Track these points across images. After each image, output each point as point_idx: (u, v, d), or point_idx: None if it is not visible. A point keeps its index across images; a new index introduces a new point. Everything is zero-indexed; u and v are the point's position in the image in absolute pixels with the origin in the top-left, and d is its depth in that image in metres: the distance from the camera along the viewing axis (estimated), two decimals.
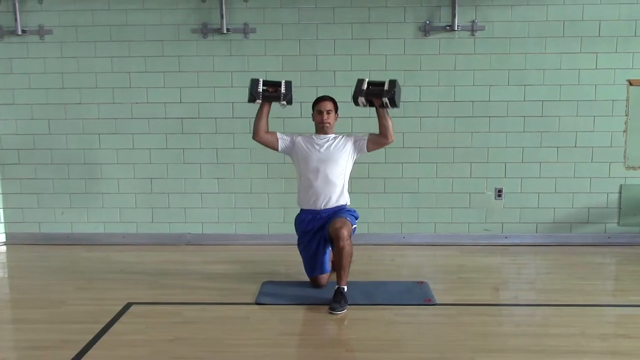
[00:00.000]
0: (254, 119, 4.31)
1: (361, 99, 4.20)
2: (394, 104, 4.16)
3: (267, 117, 4.32)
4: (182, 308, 4.02)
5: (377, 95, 4.16)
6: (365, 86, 4.20)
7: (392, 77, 4.25)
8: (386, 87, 4.16)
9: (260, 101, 4.25)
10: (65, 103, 5.65)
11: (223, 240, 5.77)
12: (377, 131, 4.33)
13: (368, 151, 4.39)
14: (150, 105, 5.63)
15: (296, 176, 4.47)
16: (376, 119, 4.28)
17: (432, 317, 3.88)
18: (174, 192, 5.75)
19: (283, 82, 4.28)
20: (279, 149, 4.40)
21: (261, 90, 4.23)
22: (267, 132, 4.35)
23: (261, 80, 4.26)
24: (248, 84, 4.27)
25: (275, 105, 4.32)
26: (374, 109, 4.26)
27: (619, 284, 4.79)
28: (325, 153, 4.29)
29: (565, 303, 4.11)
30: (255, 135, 4.34)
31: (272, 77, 4.38)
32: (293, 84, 4.30)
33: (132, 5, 5.52)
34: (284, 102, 4.28)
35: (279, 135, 4.39)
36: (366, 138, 4.36)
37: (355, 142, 4.37)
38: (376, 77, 5.30)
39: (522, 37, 5.45)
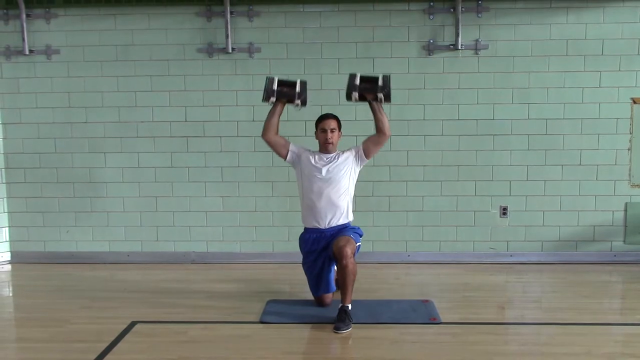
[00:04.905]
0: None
1: (354, 94, 4.19)
2: (389, 99, 4.18)
3: (279, 116, 4.28)
4: (187, 327, 4.01)
5: (372, 91, 4.17)
6: (358, 81, 4.19)
7: (385, 73, 4.26)
8: (380, 82, 4.16)
9: (274, 99, 4.24)
10: (71, 122, 5.69)
11: (227, 258, 5.76)
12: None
13: (368, 157, 4.35)
14: (156, 124, 5.67)
15: (298, 193, 4.46)
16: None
17: (437, 336, 3.85)
18: (179, 211, 5.76)
19: (298, 81, 4.27)
20: (287, 159, 4.37)
21: (275, 89, 4.22)
22: (277, 134, 4.30)
23: (276, 78, 4.25)
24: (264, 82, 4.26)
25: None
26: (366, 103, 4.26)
27: (625, 303, 4.77)
28: (328, 175, 4.26)
29: (571, 322, 4.08)
30: (265, 134, 4.29)
31: None
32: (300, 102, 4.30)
33: (139, 26, 5.57)
34: (298, 102, 4.27)
35: (291, 146, 4.35)
36: (362, 146, 4.35)
37: (355, 154, 4.35)
38: None
39: (525, 55, 5.48)
